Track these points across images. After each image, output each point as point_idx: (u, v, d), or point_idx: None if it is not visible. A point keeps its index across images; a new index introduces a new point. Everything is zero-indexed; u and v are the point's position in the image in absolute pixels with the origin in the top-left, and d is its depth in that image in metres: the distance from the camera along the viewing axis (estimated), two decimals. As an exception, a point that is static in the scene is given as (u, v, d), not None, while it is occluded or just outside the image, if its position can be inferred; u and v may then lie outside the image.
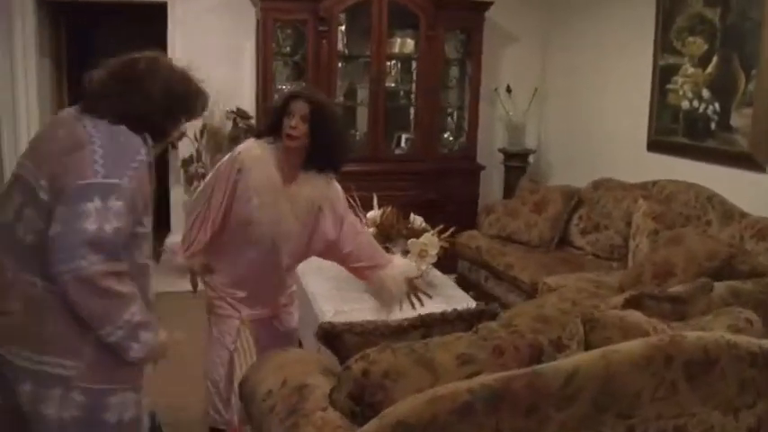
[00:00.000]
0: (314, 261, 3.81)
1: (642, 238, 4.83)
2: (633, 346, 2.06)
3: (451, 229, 4.59)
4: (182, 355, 4.66)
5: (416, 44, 6.69)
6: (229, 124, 6.57)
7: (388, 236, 4.41)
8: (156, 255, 7.35)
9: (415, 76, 6.84)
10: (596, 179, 5.90)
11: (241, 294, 3.46)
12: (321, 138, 3.21)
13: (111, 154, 2.08)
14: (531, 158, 7.34)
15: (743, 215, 4.55)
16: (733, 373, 2.16)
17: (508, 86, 7.20)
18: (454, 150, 7.04)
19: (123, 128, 2.16)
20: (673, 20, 5.42)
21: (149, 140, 2.22)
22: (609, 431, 2.00)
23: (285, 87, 6.23)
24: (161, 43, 6.70)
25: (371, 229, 4.44)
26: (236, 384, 3.21)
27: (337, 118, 3.35)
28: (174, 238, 6.26)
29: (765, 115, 4.60)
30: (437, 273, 4.64)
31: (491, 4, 6.64)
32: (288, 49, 6.57)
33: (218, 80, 6.46)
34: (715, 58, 5.01)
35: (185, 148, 6.66)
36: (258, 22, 6.56)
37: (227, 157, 3.41)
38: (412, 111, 6.96)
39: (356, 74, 6.93)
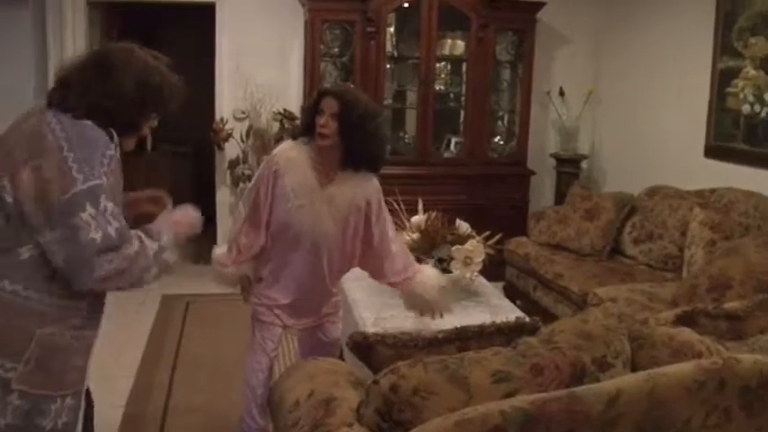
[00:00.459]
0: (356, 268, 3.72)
1: (698, 248, 4.64)
2: (683, 368, 1.91)
3: (498, 236, 4.48)
4: (222, 357, 4.72)
5: (467, 45, 6.59)
6: (276, 125, 6.53)
7: (432, 242, 4.29)
8: (205, 256, 7.35)
9: (465, 79, 6.76)
10: (651, 186, 5.70)
11: (284, 302, 3.38)
12: (352, 135, 3.13)
13: (82, 154, 1.98)
14: (583, 164, 7.18)
15: (806, 226, 4.33)
16: (793, 401, 1.99)
17: (561, 89, 7.06)
18: (504, 155, 6.92)
19: (89, 123, 2.05)
20: (734, 20, 5.21)
21: (116, 136, 2.13)
22: (654, 461, 1.85)
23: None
24: (210, 44, 6.70)
25: (415, 235, 4.34)
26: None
27: (371, 115, 3.20)
28: (221, 240, 6.25)
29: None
30: (483, 281, 4.51)
31: (543, 4, 6.51)
32: (336, 50, 6.50)
33: (266, 81, 6.54)
34: (779, 60, 4.79)
35: (232, 149, 6.66)
36: (306, 22, 6.52)
37: (265, 160, 3.36)
38: (461, 114, 6.87)
39: (405, 76, 6.86)
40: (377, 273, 3.51)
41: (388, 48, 6.54)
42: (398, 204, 4.45)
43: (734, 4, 5.21)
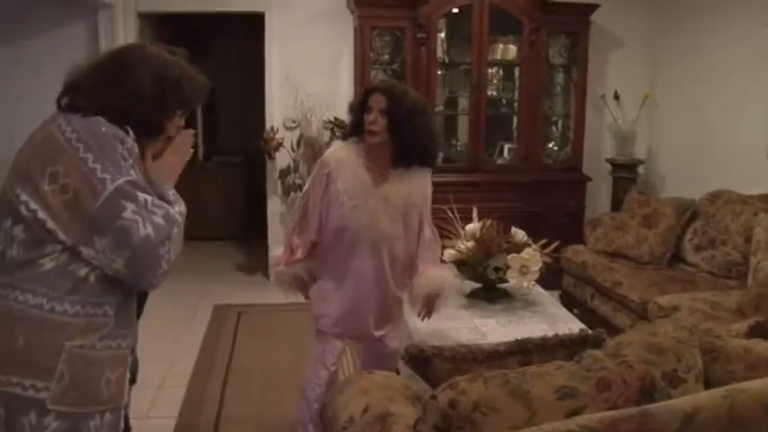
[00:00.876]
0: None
1: (764, 255, 4.48)
2: (762, 384, 1.79)
3: (555, 244, 4.40)
4: (274, 368, 4.68)
5: (519, 50, 6.48)
6: (327, 134, 6.48)
7: (488, 250, 4.21)
8: (256, 266, 7.35)
9: (517, 83, 6.65)
10: (712, 191, 5.50)
11: (346, 310, 3.31)
12: (402, 131, 3.09)
13: (101, 152, 1.88)
14: (640, 169, 7.00)
15: None
16: None
17: (616, 93, 6.90)
18: (559, 161, 6.79)
19: (100, 118, 1.94)
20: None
21: (131, 132, 1.99)
22: (733, 483, 1.74)
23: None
24: (259, 53, 6.69)
25: (470, 243, 4.26)
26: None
27: (420, 109, 3.15)
28: (274, 249, 6.21)
29: None
30: (540, 289, 4.43)
31: (597, 6, 6.36)
32: (386, 56, 6.44)
33: (316, 90, 6.51)
34: None
35: (282, 158, 6.63)
36: (355, 29, 6.48)
37: (317, 163, 3.33)
38: (515, 119, 6.77)
39: (456, 82, 6.78)
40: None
41: (439, 54, 6.46)
42: (453, 212, 4.38)
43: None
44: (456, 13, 6.42)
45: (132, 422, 2.31)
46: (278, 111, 6.73)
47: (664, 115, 6.90)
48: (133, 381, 2.17)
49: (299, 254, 3.31)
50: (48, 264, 1.88)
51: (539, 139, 6.59)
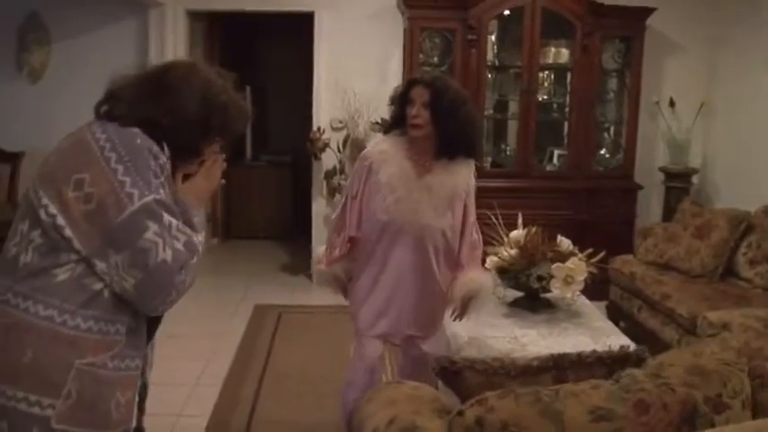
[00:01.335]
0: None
1: (823, 272, 4.28)
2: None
3: (602, 254, 4.27)
4: (311, 371, 4.62)
5: (571, 54, 6.35)
6: (374, 135, 6.41)
7: (532, 258, 4.10)
8: (299, 267, 7.32)
9: (569, 88, 6.53)
10: (769, 203, 5.31)
11: (382, 302, 3.26)
12: (445, 123, 3.06)
13: (132, 165, 1.81)
14: (694, 179, 6.81)
15: None
16: None
17: (671, 100, 6.72)
18: (610, 168, 6.64)
19: (137, 130, 1.87)
20: None
21: (167, 150, 1.92)
22: None
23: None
24: (308, 53, 6.67)
25: (513, 251, 4.16)
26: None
27: (462, 101, 3.11)
28: (317, 249, 6.17)
29: None
30: (585, 300, 4.30)
31: (653, 10, 6.20)
32: (435, 58, 6.36)
33: (364, 90, 6.45)
34: None
35: (329, 159, 6.60)
36: (405, 30, 6.42)
37: (358, 158, 3.31)
38: (565, 125, 6.64)
39: (506, 85, 6.69)
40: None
41: (490, 56, 6.38)
42: (497, 218, 4.28)
43: None
44: (507, 16, 6.33)
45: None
46: (325, 111, 6.70)
47: (720, 123, 6.70)
48: (142, 405, 2.10)
49: (338, 252, 3.29)
50: (62, 275, 1.81)
51: (590, 145, 6.45)
